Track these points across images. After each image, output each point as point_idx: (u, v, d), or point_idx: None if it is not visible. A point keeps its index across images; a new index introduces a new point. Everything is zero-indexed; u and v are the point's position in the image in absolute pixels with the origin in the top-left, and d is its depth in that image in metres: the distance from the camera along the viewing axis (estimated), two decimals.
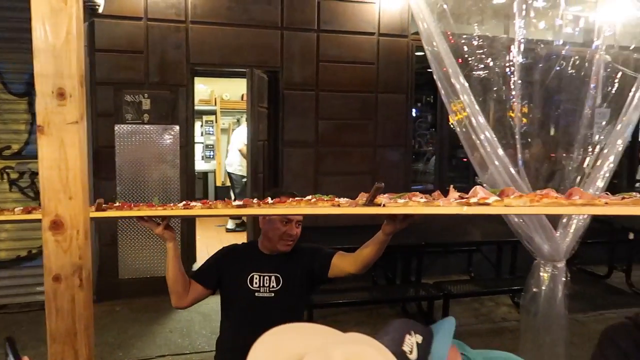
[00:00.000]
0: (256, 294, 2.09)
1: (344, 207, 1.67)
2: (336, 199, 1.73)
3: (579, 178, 2.39)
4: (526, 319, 2.56)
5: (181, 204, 1.83)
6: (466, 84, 2.22)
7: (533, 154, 2.58)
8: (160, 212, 1.79)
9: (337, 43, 5.32)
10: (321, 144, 5.41)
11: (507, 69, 2.28)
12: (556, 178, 2.63)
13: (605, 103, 2.37)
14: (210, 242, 6.34)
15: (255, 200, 1.74)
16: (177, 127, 4.90)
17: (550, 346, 2.44)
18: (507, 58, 2.27)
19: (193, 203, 1.81)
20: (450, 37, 2.30)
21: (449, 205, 1.54)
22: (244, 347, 2.09)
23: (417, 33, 2.31)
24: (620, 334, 1.51)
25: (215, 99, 8.72)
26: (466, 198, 1.54)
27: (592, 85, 2.34)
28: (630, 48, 2.51)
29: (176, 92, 4.86)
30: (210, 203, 1.80)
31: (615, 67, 2.45)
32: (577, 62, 2.40)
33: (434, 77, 2.32)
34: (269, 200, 1.75)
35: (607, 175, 2.32)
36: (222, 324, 2.23)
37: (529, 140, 2.96)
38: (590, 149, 2.38)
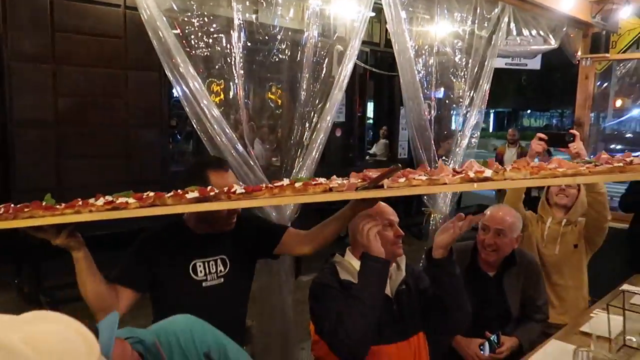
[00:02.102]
0: (203, 284, 1.74)
1: (341, 190, 1.42)
2: (321, 180, 1.46)
3: (299, 150, 2.67)
4: None
5: (100, 201, 1.40)
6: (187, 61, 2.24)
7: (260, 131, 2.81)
8: (73, 217, 1.36)
9: (76, 12, 4.79)
10: (62, 124, 4.86)
11: (229, 50, 2.38)
12: (282, 149, 2.91)
13: (317, 83, 2.70)
14: None
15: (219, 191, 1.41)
16: None
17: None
18: (230, 38, 2.38)
19: (122, 199, 1.40)
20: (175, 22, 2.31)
21: (454, 182, 1.45)
22: None
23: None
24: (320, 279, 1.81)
25: None
26: (462, 172, 1.47)
27: (305, 69, 2.63)
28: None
29: None
30: (151, 196, 1.40)
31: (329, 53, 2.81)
32: (293, 47, 2.67)
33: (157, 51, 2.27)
34: (236, 189, 1.42)
35: (321, 147, 2.64)
36: None
37: (259, 120, 3.22)
38: (307, 125, 2.68)
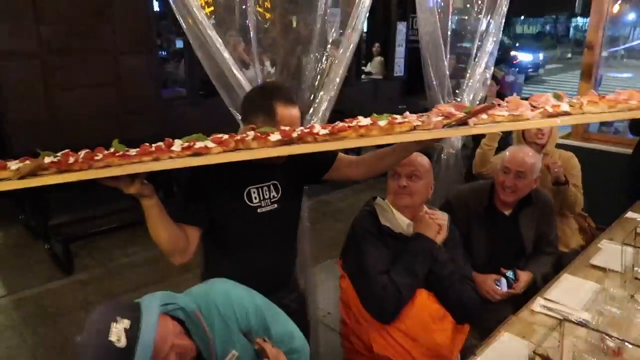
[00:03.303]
0: (258, 210, 1.71)
1: (427, 129, 1.38)
2: (401, 118, 1.40)
3: (318, 77, 2.56)
4: None
5: (177, 145, 1.30)
6: None
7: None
8: (153, 164, 1.27)
9: None
10: (49, 54, 4.60)
11: None
12: (304, 74, 2.80)
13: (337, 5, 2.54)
14: None
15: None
16: None
17: None
18: None
19: (199, 143, 1.30)
20: None
21: (536, 117, 1.45)
22: (260, 272, 1.73)
23: None
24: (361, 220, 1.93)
25: None
26: (540, 107, 1.47)
27: None
28: None
29: None
30: (231, 140, 1.32)
31: None
32: None
33: None
34: (319, 129, 1.35)
35: (342, 71, 2.52)
36: (213, 263, 1.82)
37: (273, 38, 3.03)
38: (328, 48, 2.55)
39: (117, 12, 4.90)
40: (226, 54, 2.10)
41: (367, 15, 2.56)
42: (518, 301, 2.22)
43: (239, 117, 2.04)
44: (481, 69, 3.04)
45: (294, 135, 1.35)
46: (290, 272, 1.93)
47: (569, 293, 2.02)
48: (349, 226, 1.99)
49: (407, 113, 1.48)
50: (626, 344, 1.52)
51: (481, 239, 2.28)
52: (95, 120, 4.91)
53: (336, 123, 1.41)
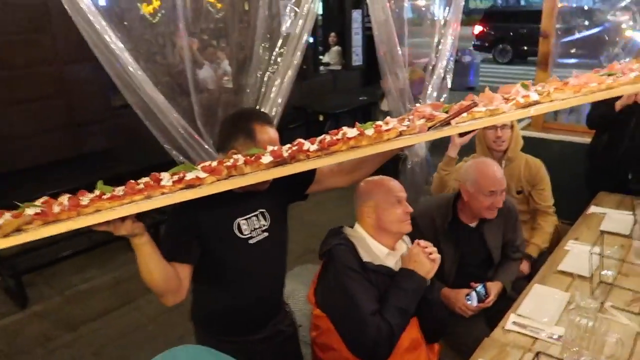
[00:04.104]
0: (250, 241, 1.69)
1: (415, 133, 1.39)
2: (384, 125, 1.39)
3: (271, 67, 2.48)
4: None
5: (167, 180, 1.26)
6: None
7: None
8: (147, 204, 1.21)
9: None
10: None
11: None
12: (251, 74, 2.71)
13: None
14: None
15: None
16: None
17: None
18: None
19: (189, 174, 1.25)
20: None
21: (512, 109, 1.50)
22: (257, 302, 1.75)
23: None
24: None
25: None
26: (510, 97, 1.54)
27: None
28: None
29: None
30: (222, 167, 1.28)
31: None
32: None
33: None
34: (309, 146, 1.33)
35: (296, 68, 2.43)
36: (204, 298, 1.76)
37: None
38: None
39: (55, 21, 4.60)
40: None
41: (321, 3, 2.49)
42: (490, 313, 2.21)
43: None
44: (443, 63, 2.98)
45: (285, 154, 1.34)
46: (282, 295, 1.92)
47: (540, 306, 2.00)
48: (322, 257, 1.85)
49: (389, 118, 1.49)
50: None
51: (449, 254, 2.24)
52: (42, 136, 4.66)
53: (323, 137, 1.41)
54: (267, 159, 1.32)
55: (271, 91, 2.68)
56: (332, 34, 8.90)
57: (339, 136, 1.38)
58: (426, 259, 1.73)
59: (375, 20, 2.69)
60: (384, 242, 1.81)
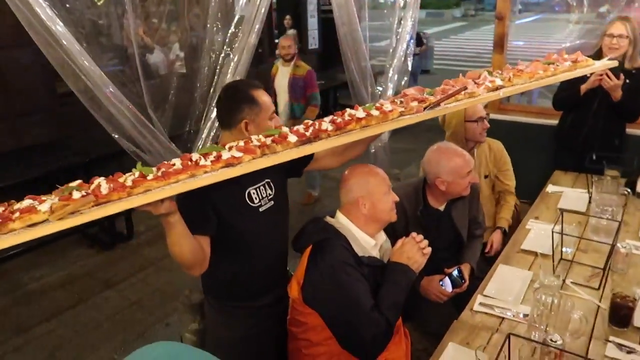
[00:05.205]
0: (260, 209, 1.79)
1: (413, 113, 1.60)
2: (384, 107, 1.57)
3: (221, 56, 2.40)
4: None
5: (207, 160, 1.31)
6: None
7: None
8: (192, 183, 1.26)
9: None
10: None
11: None
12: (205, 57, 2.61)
13: None
14: None
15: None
16: None
17: None
18: None
19: (225, 154, 1.33)
20: None
21: (484, 92, 1.76)
22: (267, 269, 1.87)
23: None
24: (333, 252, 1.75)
25: None
26: (479, 83, 1.80)
27: None
28: None
29: None
30: (254, 146, 1.38)
31: None
32: None
33: None
34: (327, 126, 1.48)
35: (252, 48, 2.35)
36: (216, 267, 1.74)
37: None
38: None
39: None
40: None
41: None
42: (457, 296, 2.22)
43: None
44: (403, 46, 2.95)
45: (307, 133, 1.47)
46: (286, 261, 2.00)
47: (506, 286, 2.02)
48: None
49: (382, 101, 1.70)
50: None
51: None
52: None
53: (332, 118, 1.55)
54: (293, 137, 1.43)
55: (226, 74, 2.57)
56: (287, 17, 8.72)
57: (347, 117, 1.54)
58: (419, 255, 1.72)
59: (335, 2, 2.62)
60: (370, 232, 1.78)
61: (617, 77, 2.80)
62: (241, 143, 1.41)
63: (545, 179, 3.12)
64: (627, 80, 2.87)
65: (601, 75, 2.80)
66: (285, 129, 1.49)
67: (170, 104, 2.82)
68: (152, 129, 2.23)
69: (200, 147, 2.54)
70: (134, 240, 4.30)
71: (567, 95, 3.08)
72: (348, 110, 1.58)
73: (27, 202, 1.15)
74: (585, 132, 3.10)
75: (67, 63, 1.86)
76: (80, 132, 4.42)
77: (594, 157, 2.92)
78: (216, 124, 2.33)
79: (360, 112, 1.55)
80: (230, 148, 1.38)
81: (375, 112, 1.55)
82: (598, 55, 2.80)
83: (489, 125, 2.75)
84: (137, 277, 3.73)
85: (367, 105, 1.59)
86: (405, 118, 1.59)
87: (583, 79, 2.81)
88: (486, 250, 2.67)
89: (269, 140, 1.42)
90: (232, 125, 1.72)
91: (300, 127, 1.52)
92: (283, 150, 1.41)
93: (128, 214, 4.10)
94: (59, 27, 1.86)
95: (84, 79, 1.87)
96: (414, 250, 1.72)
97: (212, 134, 2.48)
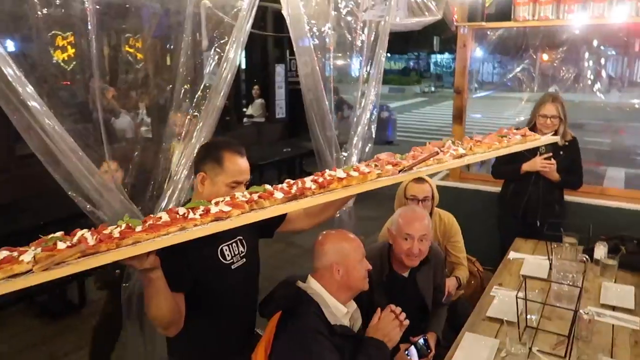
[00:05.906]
0: (232, 266, 1.79)
1: (389, 175, 1.70)
2: (362, 168, 1.69)
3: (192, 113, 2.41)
4: None
5: (195, 214, 1.33)
6: None
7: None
8: (181, 235, 1.26)
9: None
10: None
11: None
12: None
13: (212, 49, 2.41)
14: None
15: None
16: None
17: None
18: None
19: (214, 208, 1.36)
20: None
21: (450, 159, 1.93)
22: (239, 326, 1.88)
23: None
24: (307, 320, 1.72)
25: None
26: (445, 150, 1.95)
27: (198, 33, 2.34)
28: None
29: None
30: (242, 201, 1.42)
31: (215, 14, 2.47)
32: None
33: None
34: (310, 184, 1.55)
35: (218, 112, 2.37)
36: (193, 323, 1.70)
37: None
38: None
39: None
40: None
41: (244, 54, 2.48)
42: None
43: None
44: (367, 116, 3.04)
45: (292, 190, 1.53)
46: (255, 322, 1.98)
47: (473, 355, 1.98)
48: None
49: (357, 164, 1.84)
50: None
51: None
52: None
53: (313, 178, 1.62)
54: (279, 194, 1.48)
55: (191, 138, 2.55)
56: (256, 87, 8.98)
57: (328, 177, 1.62)
58: (396, 332, 1.74)
59: (301, 72, 2.73)
60: (342, 300, 1.75)
61: (553, 154, 3.11)
62: (227, 198, 1.44)
63: (504, 245, 3.19)
64: (562, 152, 3.15)
65: (544, 166, 3.10)
66: (268, 187, 1.53)
67: (134, 165, 2.78)
68: (113, 189, 2.16)
69: (162, 209, 2.47)
70: (86, 308, 4.05)
71: (510, 170, 3.30)
72: (327, 171, 1.67)
73: (3, 253, 1.11)
74: (526, 199, 3.27)
75: (33, 127, 1.78)
76: (39, 194, 4.28)
77: (538, 224, 3.10)
78: (179, 186, 2.29)
79: (340, 173, 1.64)
80: (217, 203, 1.40)
81: (354, 173, 1.64)
82: (532, 130, 2.98)
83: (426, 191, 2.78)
84: (85, 351, 3.47)
85: (345, 167, 1.71)
86: (382, 179, 1.69)
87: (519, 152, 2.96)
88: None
89: (256, 196, 1.46)
90: (195, 172, 1.77)
91: (284, 186, 1.56)
92: (271, 205, 1.44)
93: (82, 280, 3.89)
94: (27, 88, 1.81)
95: (47, 141, 1.82)
96: (390, 327, 1.73)
97: (174, 197, 2.42)
